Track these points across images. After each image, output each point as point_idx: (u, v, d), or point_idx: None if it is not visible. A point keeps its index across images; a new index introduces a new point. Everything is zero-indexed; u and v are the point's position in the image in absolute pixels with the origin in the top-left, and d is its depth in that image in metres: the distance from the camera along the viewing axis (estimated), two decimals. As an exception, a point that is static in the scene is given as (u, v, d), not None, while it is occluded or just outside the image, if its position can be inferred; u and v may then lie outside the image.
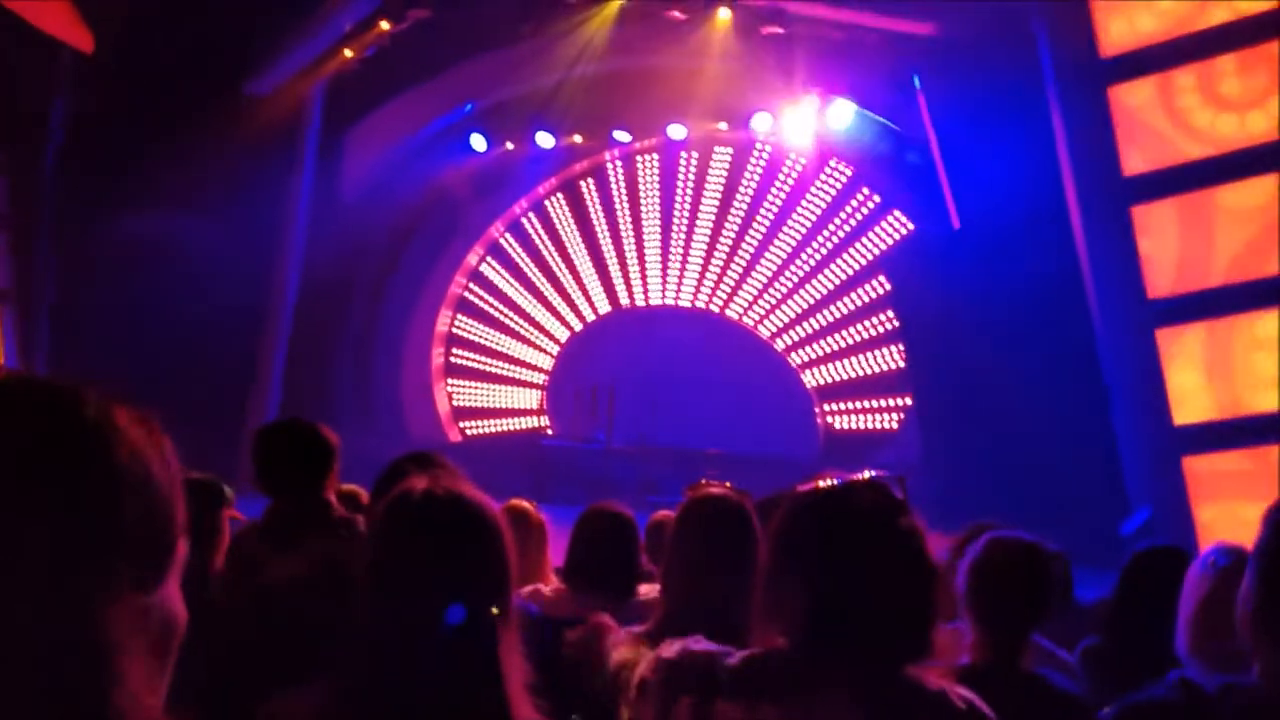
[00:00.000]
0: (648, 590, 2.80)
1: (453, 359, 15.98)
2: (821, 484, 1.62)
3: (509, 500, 3.16)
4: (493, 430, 15.72)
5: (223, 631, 2.39)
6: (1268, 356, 8.43)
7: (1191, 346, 8.95)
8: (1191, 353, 8.94)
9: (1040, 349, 10.43)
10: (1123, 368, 9.41)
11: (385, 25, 11.82)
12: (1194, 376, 8.93)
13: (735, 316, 15.08)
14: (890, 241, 13.90)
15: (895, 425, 13.70)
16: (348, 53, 11.99)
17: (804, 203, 14.51)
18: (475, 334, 15.97)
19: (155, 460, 0.79)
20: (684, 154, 15.07)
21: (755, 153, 14.72)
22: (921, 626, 1.53)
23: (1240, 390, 8.72)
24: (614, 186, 15.60)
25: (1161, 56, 9.09)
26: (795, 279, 14.68)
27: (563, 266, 15.82)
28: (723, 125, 14.02)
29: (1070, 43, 9.56)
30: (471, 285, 16.07)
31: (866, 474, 1.62)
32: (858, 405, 14.03)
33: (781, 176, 14.64)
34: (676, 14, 11.75)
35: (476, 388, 15.89)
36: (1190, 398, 8.90)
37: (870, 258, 14.09)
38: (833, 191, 14.32)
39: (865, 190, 14.07)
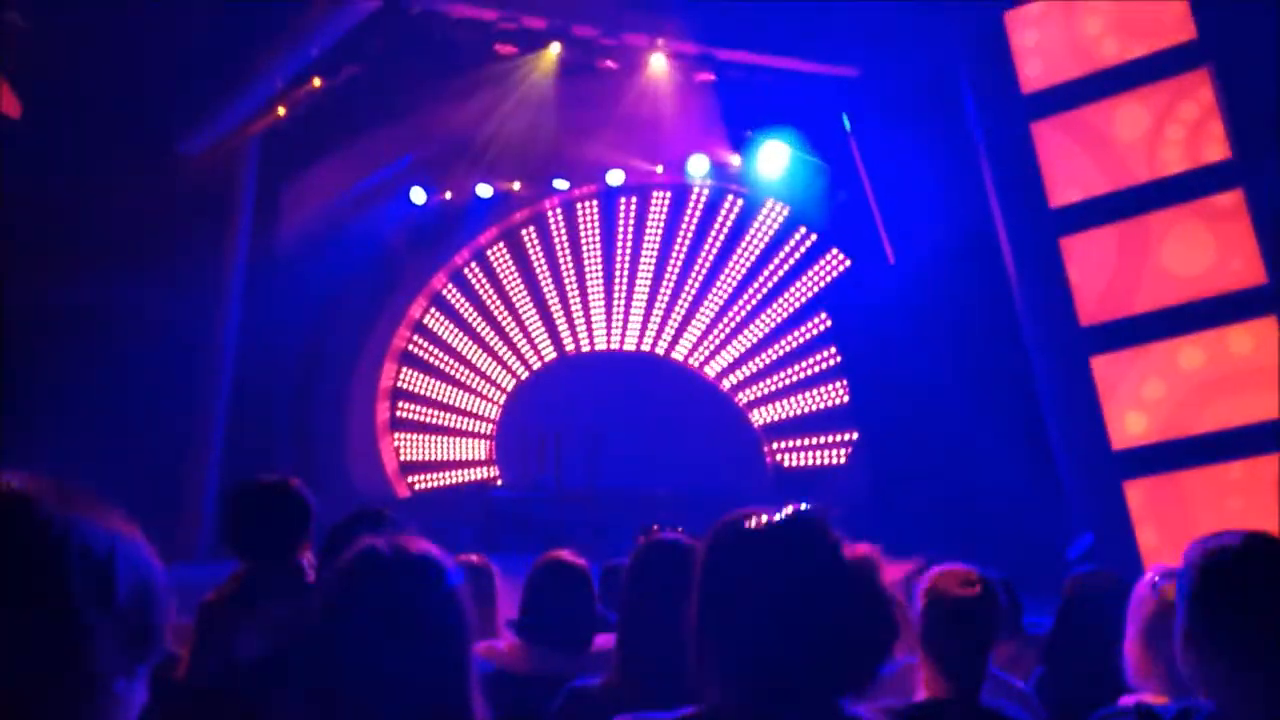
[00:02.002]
0: (605, 641, 2.78)
1: (398, 413, 15.81)
2: (743, 521, 1.47)
3: (460, 555, 3.12)
4: (441, 483, 15.54)
5: (189, 711, 2.25)
6: (1203, 379, 8.67)
7: (1127, 372, 9.14)
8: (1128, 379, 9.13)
9: (979, 378, 10.61)
10: (1059, 395, 9.58)
11: (318, 82, 11.80)
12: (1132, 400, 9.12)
13: (680, 358, 15.14)
14: (829, 278, 14.12)
15: (843, 460, 13.81)
16: (281, 110, 11.94)
17: (743, 242, 14.70)
18: (420, 387, 15.83)
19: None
20: (623, 199, 15.19)
21: (693, 195, 14.90)
22: (865, 655, 1.36)
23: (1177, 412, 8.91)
24: (555, 234, 15.65)
25: (1078, 93, 9.39)
26: (738, 319, 14.79)
27: (507, 315, 15.78)
28: (659, 169, 14.18)
29: (993, 82, 9.83)
30: (415, 337, 15.95)
31: (788, 507, 1.46)
32: (805, 442, 14.13)
33: (720, 217, 14.82)
34: (610, 64, 11.92)
35: (423, 440, 15.73)
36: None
37: (811, 295, 14.28)
38: (771, 231, 14.53)
39: (803, 229, 14.30)
